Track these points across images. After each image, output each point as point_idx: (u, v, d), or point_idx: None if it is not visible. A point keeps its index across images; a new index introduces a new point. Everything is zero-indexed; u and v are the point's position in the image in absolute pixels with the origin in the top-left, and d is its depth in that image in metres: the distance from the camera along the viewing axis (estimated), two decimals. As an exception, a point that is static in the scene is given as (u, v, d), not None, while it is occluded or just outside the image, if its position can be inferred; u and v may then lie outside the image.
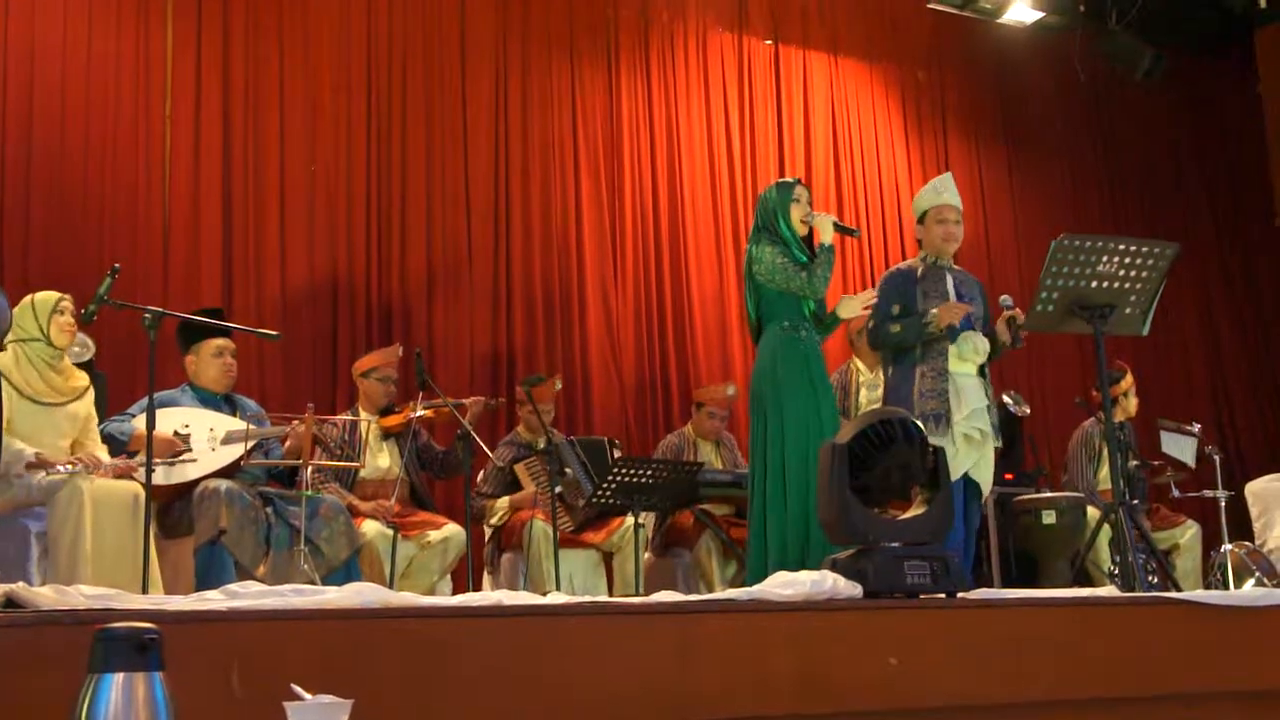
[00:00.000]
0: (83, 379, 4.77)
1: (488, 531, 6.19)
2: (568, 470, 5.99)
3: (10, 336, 4.55)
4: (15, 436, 4.36)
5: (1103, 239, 4.64)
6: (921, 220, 5.31)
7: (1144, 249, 4.64)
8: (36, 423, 4.52)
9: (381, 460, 5.81)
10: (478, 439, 5.54)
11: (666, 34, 8.41)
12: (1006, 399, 7.36)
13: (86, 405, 4.75)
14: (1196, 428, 6.94)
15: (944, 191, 5.31)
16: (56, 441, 4.57)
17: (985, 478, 5.06)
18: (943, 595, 3.33)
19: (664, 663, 2.75)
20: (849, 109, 9.01)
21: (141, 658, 1.80)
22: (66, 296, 4.69)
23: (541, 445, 6.05)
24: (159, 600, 2.81)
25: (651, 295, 7.93)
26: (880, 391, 6.28)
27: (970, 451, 4.94)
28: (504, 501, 6.12)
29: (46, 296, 4.67)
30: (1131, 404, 7.21)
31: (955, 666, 3.06)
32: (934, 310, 5.02)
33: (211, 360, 5.24)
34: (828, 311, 5.01)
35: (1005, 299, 5.14)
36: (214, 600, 2.63)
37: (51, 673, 2.16)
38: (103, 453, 4.70)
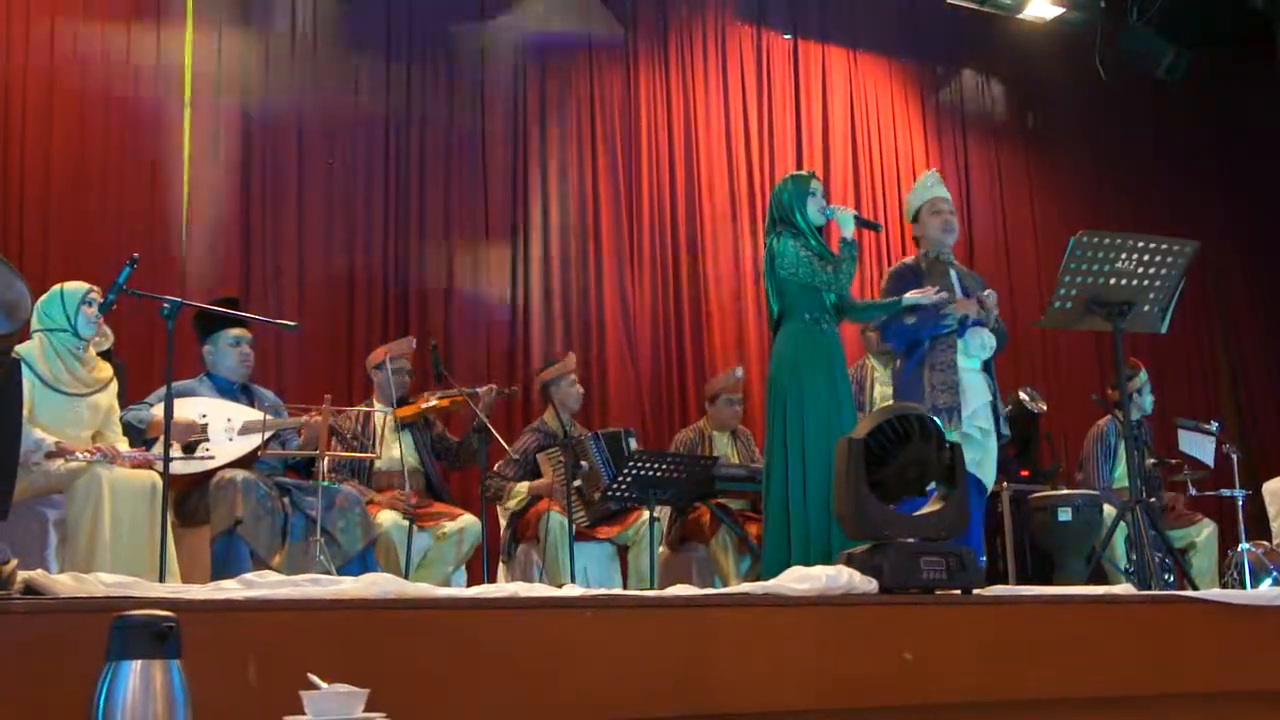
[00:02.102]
0: (107, 370, 4.77)
1: (503, 517, 6.19)
2: (583, 463, 5.99)
3: (36, 325, 4.56)
4: (37, 425, 4.37)
5: (1122, 236, 4.62)
6: (915, 218, 5.38)
7: (1163, 246, 4.62)
8: (59, 412, 4.53)
9: (396, 451, 5.82)
10: (493, 430, 5.55)
11: (685, 28, 8.40)
12: (1023, 395, 7.34)
13: (109, 396, 4.75)
14: (1215, 426, 6.91)
15: (934, 185, 5.39)
16: (78, 431, 4.58)
17: (988, 474, 5.07)
18: (958, 591, 3.33)
19: (678, 656, 2.75)
20: (867, 104, 8.99)
21: (159, 646, 1.81)
22: (95, 288, 4.67)
23: (564, 436, 6.08)
24: (177, 589, 2.82)
25: (668, 287, 7.93)
26: (894, 387, 6.29)
27: (969, 450, 4.94)
28: (522, 486, 6.11)
29: (76, 287, 4.66)
30: (1146, 401, 7.19)
31: (970, 663, 3.06)
32: (951, 305, 5.04)
33: (229, 350, 5.25)
34: (848, 304, 5.01)
35: (991, 292, 5.19)
36: (231, 589, 2.64)
37: (71, 659, 2.17)
38: (123, 444, 4.71)
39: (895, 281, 5.19)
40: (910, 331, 5.09)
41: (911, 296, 5.00)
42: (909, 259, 5.40)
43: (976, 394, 5.04)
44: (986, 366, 5.17)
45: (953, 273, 5.21)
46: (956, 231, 5.35)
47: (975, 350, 5.07)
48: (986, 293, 5.18)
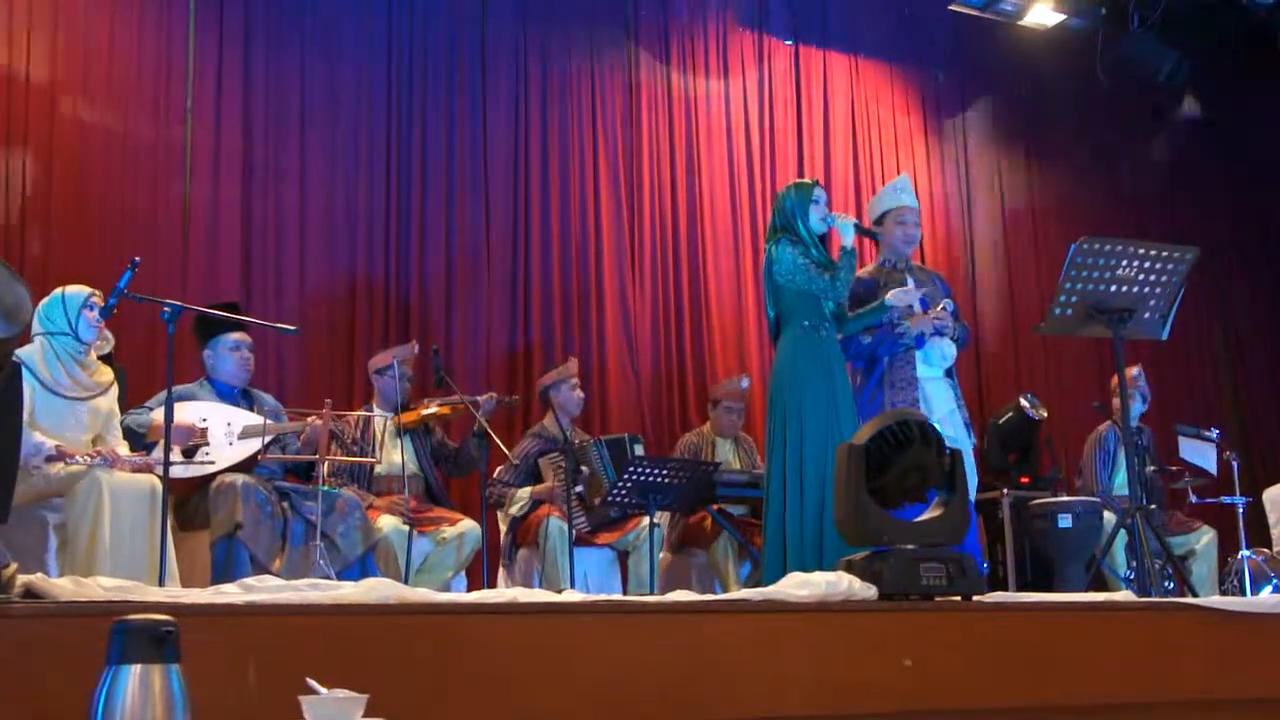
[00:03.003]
0: (107, 374, 4.77)
1: (503, 522, 6.19)
2: (584, 469, 5.99)
3: (37, 329, 4.56)
4: (37, 429, 4.37)
5: (1123, 242, 4.62)
6: (879, 221, 5.38)
7: (1164, 253, 4.62)
8: (59, 416, 4.52)
9: (396, 456, 5.82)
10: (494, 436, 5.55)
11: (686, 33, 8.40)
12: (1024, 402, 7.35)
13: (110, 401, 4.75)
14: (1215, 433, 6.91)
15: (903, 192, 5.42)
16: (79, 435, 4.57)
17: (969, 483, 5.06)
18: (958, 598, 3.32)
19: (678, 662, 2.75)
20: (869, 110, 8.99)
21: (159, 650, 1.81)
22: (96, 291, 4.67)
23: (564, 442, 6.08)
24: (176, 593, 2.82)
25: (669, 294, 7.92)
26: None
27: None
28: (524, 492, 6.12)
29: (77, 290, 4.64)
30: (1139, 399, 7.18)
31: (970, 669, 3.05)
32: (906, 323, 5.09)
33: (229, 354, 5.25)
34: (848, 313, 5.02)
35: (948, 303, 5.26)
36: (231, 594, 2.64)
37: (70, 664, 2.17)
38: (124, 448, 4.71)
39: (850, 300, 5.15)
40: (868, 349, 5.15)
41: (892, 298, 5.01)
42: (864, 271, 5.38)
43: (940, 403, 5.09)
44: (949, 373, 5.20)
45: (910, 282, 5.23)
46: (917, 241, 5.41)
47: (936, 361, 5.14)
48: (941, 305, 5.19)
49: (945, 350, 5.13)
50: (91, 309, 4.62)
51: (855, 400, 5.14)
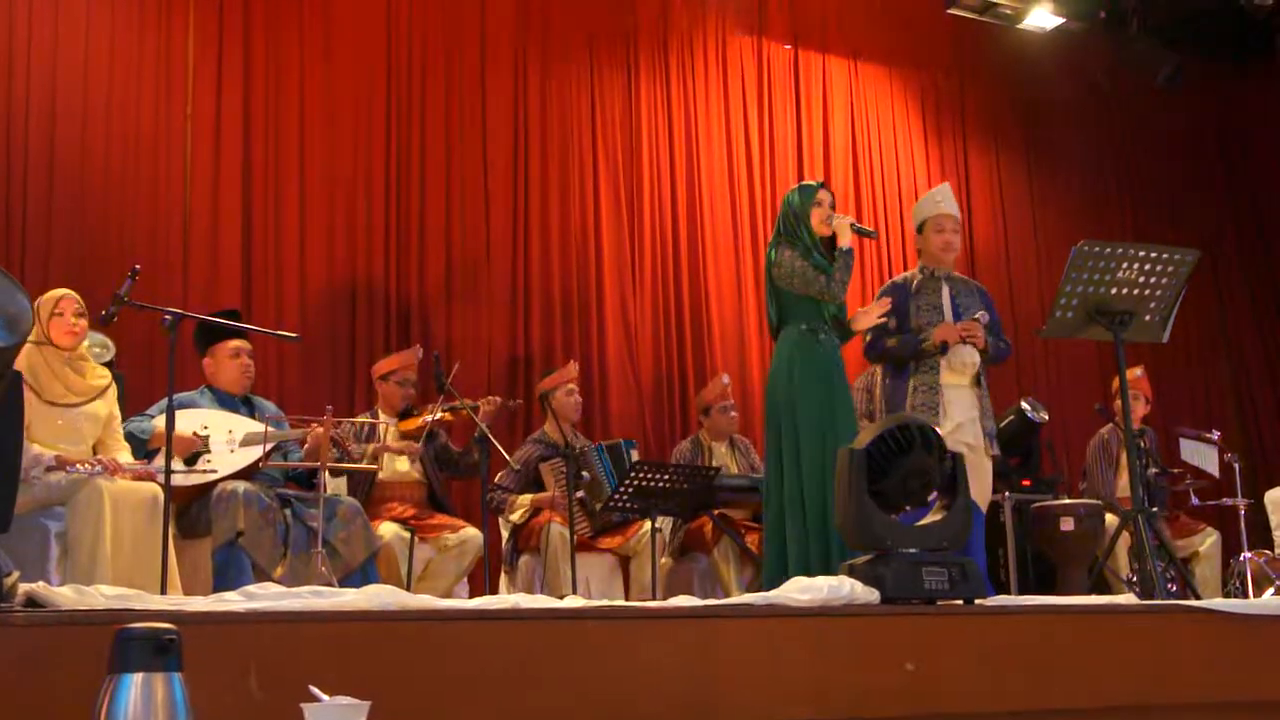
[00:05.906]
0: (103, 376, 4.72)
1: (505, 529, 6.18)
2: (585, 474, 5.99)
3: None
4: (35, 442, 4.35)
5: (1123, 245, 4.63)
6: (920, 230, 5.42)
7: (1164, 255, 4.62)
8: (55, 426, 4.50)
9: (400, 463, 5.82)
10: (495, 442, 5.54)
11: (686, 38, 8.41)
12: (1025, 405, 7.34)
13: (108, 404, 4.71)
14: (1216, 435, 6.91)
15: (942, 201, 5.42)
16: (77, 446, 4.55)
17: (979, 493, 5.03)
18: (960, 601, 3.32)
19: (681, 667, 2.74)
20: (868, 114, 8.99)
21: (160, 658, 1.81)
22: (67, 296, 4.60)
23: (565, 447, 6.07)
24: (178, 601, 2.82)
25: (669, 299, 7.93)
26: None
27: None
28: (525, 499, 6.11)
29: (46, 298, 4.59)
30: (1139, 409, 7.18)
31: (972, 673, 3.05)
32: (932, 329, 5.10)
33: (229, 362, 5.24)
34: (847, 317, 5.01)
35: (982, 314, 5.25)
36: (233, 601, 2.64)
37: (71, 672, 2.17)
38: (125, 453, 4.70)
39: (884, 296, 5.23)
40: (892, 354, 5.18)
41: (856, 323, 4.99)
42: (902, 275, 5.46)
43: (961, 410, 5.06)
44: (977, 381, 5.18)
45: (945, 289, 5.25)
46: (957, 250, 5.40)
47: (958, 367, 5.12)
48: (976, 316, 5.19)
49: (967, 358, 5.12)
50: (60, 315, 4.55)
51: (883, 399, 5.23)
